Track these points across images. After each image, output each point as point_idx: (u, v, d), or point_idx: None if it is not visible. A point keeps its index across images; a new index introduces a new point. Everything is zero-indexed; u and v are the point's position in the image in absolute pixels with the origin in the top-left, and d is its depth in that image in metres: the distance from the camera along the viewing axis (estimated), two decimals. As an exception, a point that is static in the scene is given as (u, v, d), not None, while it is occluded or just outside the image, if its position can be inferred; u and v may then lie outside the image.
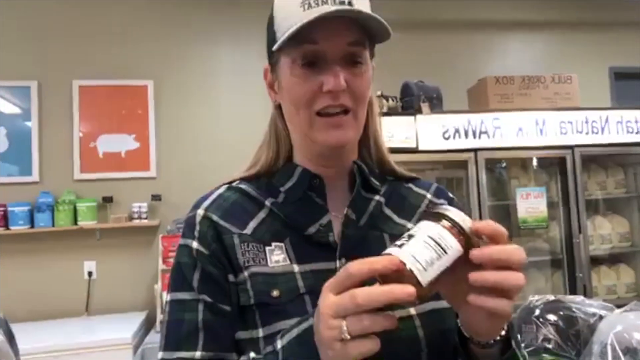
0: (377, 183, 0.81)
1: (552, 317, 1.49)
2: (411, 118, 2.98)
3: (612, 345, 1.23)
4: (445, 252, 0.55)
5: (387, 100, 3.02)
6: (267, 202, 0.79)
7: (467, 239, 0.56)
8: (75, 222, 3.28)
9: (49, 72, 3.41)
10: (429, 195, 0.85)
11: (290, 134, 0.82)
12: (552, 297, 1.56)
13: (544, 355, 1.45)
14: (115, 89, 3.49)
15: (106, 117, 3.47)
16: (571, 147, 3.19)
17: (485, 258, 0.54)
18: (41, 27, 3.44)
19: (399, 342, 0.68)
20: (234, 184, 0.83)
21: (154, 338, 2.82)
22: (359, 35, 0.70)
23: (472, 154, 3.06)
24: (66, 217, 3.25)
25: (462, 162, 3.08)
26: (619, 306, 1.50)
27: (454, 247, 0.55)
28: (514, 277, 0.54)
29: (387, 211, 0.81)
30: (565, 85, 3.26)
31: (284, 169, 0.81)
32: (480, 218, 3.04)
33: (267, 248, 0.74)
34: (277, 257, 0.73)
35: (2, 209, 3.19)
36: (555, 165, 3.31)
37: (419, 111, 3.00)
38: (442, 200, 0.85)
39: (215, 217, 0.76)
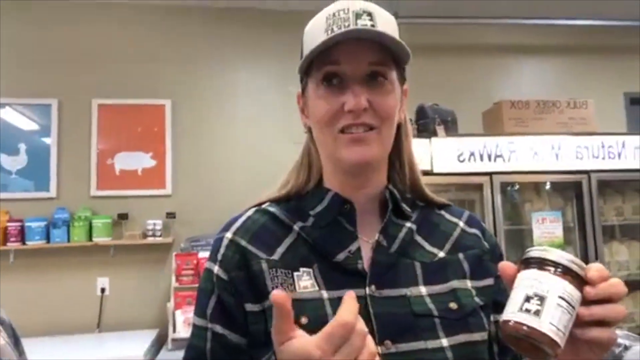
0: (409, 209, 0.80)
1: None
2: (426, 141, 2.99)
3: (636, 375, 1.20)
4: (574, 309, 0.55)
5: (402, 123, 3.03)
6: (296, 227, 0.78)
7: (584, 281, 0.56)
8: (90, 238, 3.31)
9: (69, 90, 3.48)
10: (461, 224, 0.83)
11: (320, 157, 0.82)
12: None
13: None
14: (133, 108, 3.54)
15: (124, 135, 3.52)
16: (587, 172, 3.16)
17: (600, 296, 0.56)
18: (62, 47, 3.52)
19: None
20: (263, 206, 0.82)
21: (166, 356, 2.81)
22: (382, 55, 0.72)
23: (487, 178, 3.05)
24: (81, 233, 3.28)
25: (477, 185, 3.07)
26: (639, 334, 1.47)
27: (579, 300, 0.56)
28: (618, 310, 0.56)
29: (418, 238, 0.79)
30: (581, 110, 3.26)
31: (314, 192, 0.81)
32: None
33: (295, 274, 0.73)
34: (305, 282, 0.72)
35: (19, 224, 3.23)
36: (571, 190, 3.29)
37: (434, 134, 3.01)
38: (474, 230, 0.83)
39: (243, 242, 0.76)
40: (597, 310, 0.56)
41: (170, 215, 3.43)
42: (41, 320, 3.21)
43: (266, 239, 0.77)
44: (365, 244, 0.76)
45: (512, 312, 0.56)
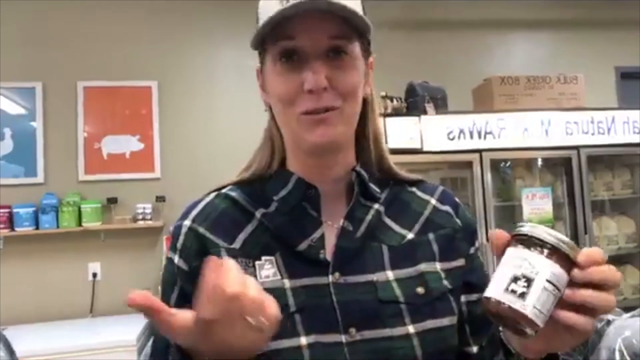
0: (378, 190, 0.77)
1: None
2: (416, 119, 2.97)
3: (620, 350, 1.21)
4: (560, 291, 0.54)
5: (392, 101, 3.01)
6: (258, 213, 0.74)
7: (573, 263, 0.55)
8: (79, 223, 3.28)
9: (54, 73, 3.41)
10: (433, 201, 0.80)
11: (283, 137, 0.77)
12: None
13: None
14: (119, 90, 3.49)
15: (110, 118, 3.47)
16: (577, 148, 3.17)
17: (587, 279, 0.54)
18: (46, 29, 3.45)
19: None
20: (224, 191, 0.79)
21: (159, 339, 2.82)
22: (342, 28, 0.67)
23: (477, 155, 3.05)
24: (70, 218, 3.25)
25: (467, 162, 3.07)
26: (625, 308, 1.48)
27: (566, 283, 0.55)
28: (607, 298, 0.55)
29: (387, 220, 0.76)
30: (571, 86, 3.25)
31: (278, 176, 0.77)
32: (486, 219, 3.02)
33: (257, 263, 0.70)
34: (267, 271, 0.69)
35: (7, 210, 3.19)
36: (560, 166, 3.30)
37: (424, 112, 2.99)
38: (446, 207, 0.79)
39: (201, 230, 0.73)
40: (582, 294, 0.54)
41: (160, 198, 3.41)
42: (33, 307, 3.20)
43: (226, 225, 0.73)
44: (331, 229, 0.73)
45: (497, 291, 0.55)
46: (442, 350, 0.69)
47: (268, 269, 0.69)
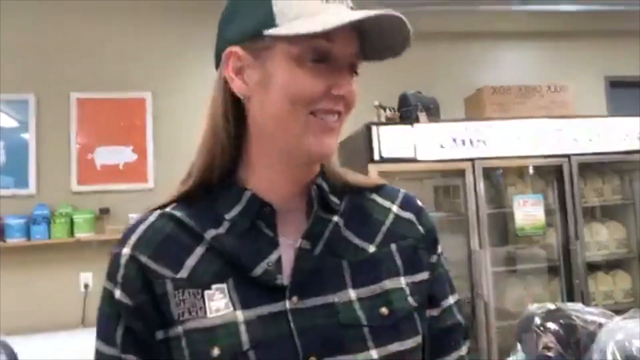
0: (337, 201, 0.71)
1: (552, 326, 1.48)
2: (409, 127, 3.00)
3: (613, 353, 1.23)
4: None
5: (385, 111, 3.04)
6: (207, 235, 0.66)
7: None
8: (72, 234, 3.26)
9: (47, 84, 3.41)
10: (394, 208, 0.75)
11: (253, 139, 0.69)
12: (552, 306, 1.56)
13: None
14: (113, 102, 3.49)
15: (104, 129, 3.46)
16: (567, 156, 3.20)
17: None
18: (39, 40, 3.45)
19: None
20: (168, 209, 0.69)
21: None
22: (359, 46, 0.66)
23: (469, 163, 3.07)
24: (62, 229, 3.23)
25: (460, 170, 3.09)
26: (617, 312, 1.50)
27: None
28: None
29: (347, 233, 0.70)
30: (561, 94, 3.30)
31: (227, 190, 0.69)
32: (478, 226, 3.04)
33: (206, 293, 0.63)
34: (217, 303, 0.63)
35: (-1, 221, 3.17)
36: (552, 173, 3.33)
37: (417, 121, 3.02)
38: (408, 214, 0.75)
39: (144, 259, 0.65)
40: None
41: (154, 209, 3.40)
42: (25, 318, 3.17)
43: (172, 252, 0.66)
44: (288, 248, 0.67)
45: None
46: None
47: (219, 299, 0.63)
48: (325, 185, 0.71)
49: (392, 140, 2.94)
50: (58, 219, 3.23)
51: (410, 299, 0.69)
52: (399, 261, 0.71)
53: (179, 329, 0.62)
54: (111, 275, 0.66)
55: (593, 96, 4.07)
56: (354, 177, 0.75)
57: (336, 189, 0.72)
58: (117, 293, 0.65)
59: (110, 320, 0.65)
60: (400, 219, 0.74)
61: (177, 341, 0.62)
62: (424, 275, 0.72)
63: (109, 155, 3.45)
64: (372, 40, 0.66)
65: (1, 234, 3.17)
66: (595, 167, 3.44)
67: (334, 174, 0.73)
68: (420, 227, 0.74)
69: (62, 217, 3.24)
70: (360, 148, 2.97)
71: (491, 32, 4.13)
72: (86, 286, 3.33)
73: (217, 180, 0.69)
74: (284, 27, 0.62)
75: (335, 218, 0.70)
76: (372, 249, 0.70)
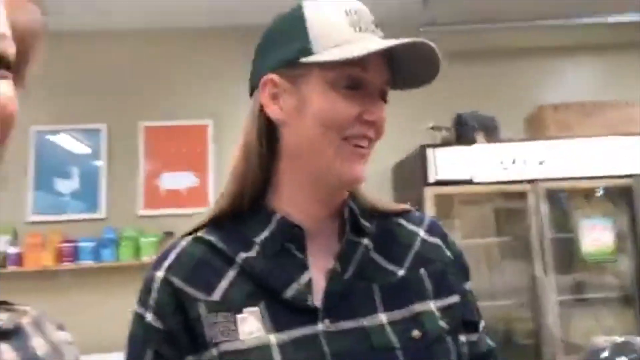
0: (367, 224, 0.72)
1: (621, 360, 1.39)
2: (466, 148, 2.94)
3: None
4: None
5: (441, 131, 3.00)
6: (238, 259, 0.67)
7: None
8: (138, 256, 3.41)
9: (117, 114, 3.62)
10: (421, 233, 0.75)
11: (284, 164, 0.70)
12: (619, 339, 1.46)
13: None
14: (177, 129, 3.65)
15: (169, 155, 3.63)
16: (638, 176, 3.02)
17: None
18: (108, 73, 3.68)
19: None
20: (199, 234, 0.71)
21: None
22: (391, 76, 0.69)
23: (530, 185, 2.96)
24: (129, 252, 3.38)
25: (521, 192, 2.99)
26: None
27: None
28: None
29: (376, 256, 0.71)
30: (628, 111, 3.13)
31: (256, 214, 0.70)
32: (542, 251, 2.92)
33: (238, 316, 0.64)
34: (250, 327, 0.63)
35: (72, 244, 3.36)
36: (621, 195, 3.15)
37: (474, 141, 2.96)
38: (435, 240, 0.76)
39: (177, 282, 0.66)
40: None
41: (214, 232, 3.49)
42: (94, 338, 3.32)
43: (204, 275, 0.67)
44: (319, 271, 0.67)
45: None
46: None
47: (251, 322, 0.63)
48: (356, 209, 0.73)
49: (448, 162, 2.89)
50: (125, 242, 3.39)
51: (441, 322, 0.69)
52: (428, 285, 0.71)
53: (214, 352, 0.62)
54: (143, 299, 0.67)
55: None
56: (381, 202, 0.77)
57: (365, 213, 0.73)
58: (149, 317, 0.66)
59: (139, 345, 0.66)
60: (428, 244, 0.75)
61: None
62: (454, 299, 0.72)
63: (172, 181, 3.61)
64: (401, 68, 0.69)
65: (74, 255, 3.36)
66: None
67: (363, 198, 0.75)
68: (448, 252, 0.75)
69: (129, 240, 3.40)
70: (415, 171, 2.94)
71: (551, 47, 4.01)
72: (151, 307, 3.45)
73: (248, 206, 0.70)
74: (321, 55, 0.65)
75: (365, 241, 0.71)
76: (401, 272, 0.71)
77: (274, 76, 0.69)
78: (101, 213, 3.53)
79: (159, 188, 3.60)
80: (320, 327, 0.64)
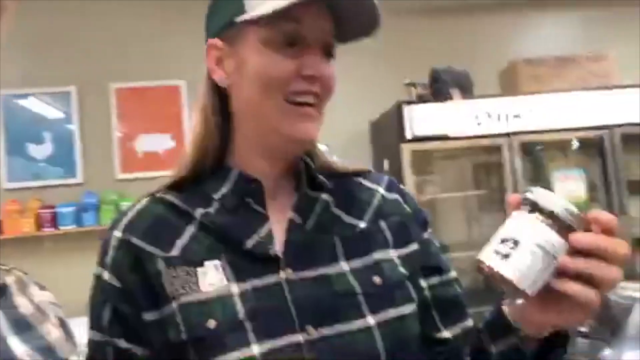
0: (324, 180, 0.73)
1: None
2: (441, 105, 2.96)
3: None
4: (555, 258, 0.51)
5: (416, 88, 3.01)
6: (197, 214, 0.68)
7: (573, 231, 0.52)
8: (119, 220, 3.41)
9: (86, 76, 3.53)
10: (381, 190, 0.77)
11: (236, 125, 0.71)
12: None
13: (578, 338, 1.43)
14: (149, 91, 3.59)
15: (143, 118, 3.58)
16: (609, 127, 3.09)
17: (586, 246, 0.51)
18: (76, 34, 3.57)
19: (358, 357, 0.63)
20: (158, 194, 0.72)
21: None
22: (333, 29, 0.67)
23: (505, 139, 3.01)
24: (110, 215, 3.37)
25: (497, 147, 3.04)
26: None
27: (563, 251, 0.52)
28: (608, 269, 0.51)
29: (336, 211, 0.72)
30: (601, 64, 3.16)
31: (216, 173, 0.70)
32: (517, 203, 2.99)
33: (199, 270, 0.64)
34: (211, 279, 0.63)
35: (51, 210, 3.34)
36: (594, 147, 3.22)
37: (450, 97, 2.97)
38: (394, 195, 0.77)
39: (134, 239, 0.66)
40: (581, 263, 0.50)
41: (194, 194, 3.50)
42: (79, 300, 3.35)
43: (163, 232, 0.67)
44: (278, 224, 0.68)
45: (485, 252, 0.54)
46: (404, 340, 0.66)
47: (212, 274, 0.64)
48: (310, 162, 0.73)
49: (424, 119, 2.91)
50: (106, 206, 3.38)
51: (401, 269, 0.70)
52: (388, 236, 0.73)
53: (173, 305, 0.63)
54: (101, 259, 0.68)
55: (638, 64, 3.88)
56: (339, 163, 0.77)
57: (323, 172, 0.74)
58: (106, 275, 0.66)
59: (98, 305, 0.66)
60: (388, 200, 0.76)
61: (171, 317, 0.63)
62: (413, 247, 0.74)
63: (149, 143, 3.57)
64: (343, 21, 0.67)
65: (54, 221, 3.35)
66: (640, 138, 3.30)
67: (320, 158, 0.75)
68: (406, 206, 0.77)
69: (110, 204, 3.39)
70: (392, 128, 2.96)
71: (524, 1, 3.98)
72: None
73: (210, 169, 0.71)
74: (252, 12, 0.64)
75: (324, 195, 0.72)
76: (362, 224, 0.72)
77: (216, 41, 0.69)
78: (79, 178, 3.49)
79: (136, 151, 3.56)
80: (282, 275, 0.65)
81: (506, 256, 0.52)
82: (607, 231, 0.52)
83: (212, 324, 0.61)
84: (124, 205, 3.38)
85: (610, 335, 1.38)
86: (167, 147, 3.59)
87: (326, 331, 0.63)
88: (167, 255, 0.65)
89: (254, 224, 0.68)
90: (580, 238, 0.51)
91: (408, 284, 0.70)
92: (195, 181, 0.71)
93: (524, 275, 0.51)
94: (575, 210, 0.52)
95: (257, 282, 0.64)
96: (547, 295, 0.53)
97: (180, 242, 0.66)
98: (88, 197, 3.40)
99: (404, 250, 0.72)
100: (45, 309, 0.54)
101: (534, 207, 0.53)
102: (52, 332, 0.53)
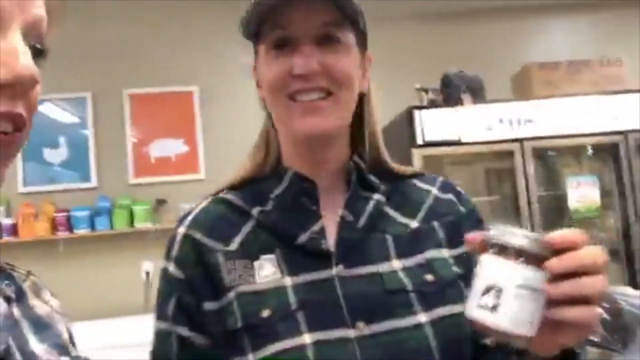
0: (376, 181, 0.75)
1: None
2: (453, 110, 2.95)
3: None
4: (540, 291, 0.50)
5: (427, 93, 3.01)
6: (254, 212, 0.72)
7: (547, 258, 0.50)
8: (131, 224, 3.44)
9: (101, 82, 3.59)
10: (434, 190, 0.77)
11: (277, 129, 0.75)
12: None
13: (590, 348, 1.41)
14: (163, 96, 3.63)
15: (156, 123, 3.62)
16: (624, 133, 3.06)
17: (565, 268, 0.49)
18: (91, 39, 3.63)
19: (409, 355, 0.63)
20: (219, 195, 0.77)
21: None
22: (334, 14, 0.66)
23: (517, 144, 2.99)
24: (123, 220, 3.42)
25: (509, 152, 3.02)
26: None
27: (543, 281, 0.50)
28: (593, 283, 0.50)
29: (389, 210, 0.74)
30: (615, 68, 3.13)
31: (273, 173, 0.75)
32: (530, 209, 2.97)
33: (255, 263, 0.68)
34: (266, 271, 0.67)
35: (65, 214, 3.38)
36: (608, 152, 3.19)
37: (461, 102, 2.96)
38: (449, 196, 0.77)
39: (198, 235, 0.71)
40: (566, 287, 0.49)
41: (206, 198, 3.53)
42: (90, 304, 3.38)
43: (223, 229, 0.72)
44: (331, 222, 0.71)
45: (471, 308, 0.52)
46: (457, 339, 0.65)
47: (267, 268, 0.67)
48: (361, 163, 0.75)
49: (435, 124, 2.90)
50: (118, 210, 3.42)
51: (454, 268, 0.70)
52: (442, 235, 0.73)
53: (231, 294, 0.67)
54: (167, 254, 0.73)
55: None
56: (394, 165, 0.79)
57: (377, 173, 0.76)
58: (171, 268, 0.71)
59: (164, 296, 0.71)
60: (441, 199, 0.77)
61: (229, 307, 0.67)
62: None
63: (162, 148, 3.61)
64: (342, 6, 0.67)
65: (69, 225, 3.39)
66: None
67: (374, 158, 0.77)
68: (461, 207, 0.77)
69: (123, 208, 3.43)
70: (403, 133, 2.95)
71: (536, 6, 3.96)
72: (147, 274, 3.51)
73: (269, 170, 0.76)
74: (243, 31, 0.71)
75: (377, 196, 0.74)
76: (414, 224, 0.73)
77: (252, 63, 0.76)
78: (93, 182, 3.54)
79: (149, 156, 3.60)
80: (333, 271, 0.67)
81: (494, 308, 0.50)
82: (576, 246, 0.51)
83: (265, 313, 0.65)
84: (137, 209, 3.42)
85: (621, 344, 1.36)
86: (180, 151, 3.63)
87: (377, 328, 0.64)
88: (227, 249, 0.70)
89: (307, 221, 0.71)
90: (556, 264, 0.49)
91: (461, 283, 0.69)
92: (253, 182, 0.76)
93: (519, 322, 0.50)
94: (538, 237, 0.51)
95: (309, 277, 0.67)
96: (547, 322, 0.52)
97: (238, 238, 0.71)
98: (102, 202, 3.44)
99: (458, 250, 0.72)
100: (54, 316, 0.56)
101: (502, 248, 0.51)
102: (64, 333, 0.55)
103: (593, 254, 0.51)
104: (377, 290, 0.66)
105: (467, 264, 0.70)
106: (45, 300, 0.55)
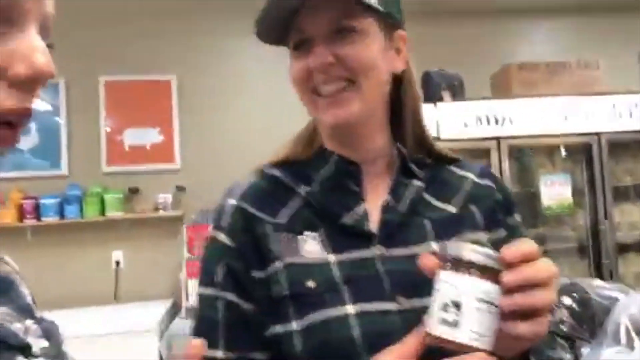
0: (417, 169, 0.77)
1: (567, 301, 1.48)
2: (432, 106, 2.96)
3: (626, 326, 1.22)
4: (496, 306, 0.51)
5: (408, 89, 3.01)
6: (301, 191, 0.76)
7: (499, 271, 0.52)
8: (103, 213, 3.37)
9: (75, 69, 3.48)
10: (472, 176, 0.79)
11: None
12: (567, 280, 1.55)
13: (559, 338, 1.44)
14: (139, 84, 3.55)
15: (131, 111, 3.54)
16: (597, 134, 3.12)
17: (515, 283, 0.51)
18: (66, 24, 3.51)
19: None
20: (266, 171, 0.80)
21: (179, 324, 2.89)
22: (347, 6, 0.68)
23: (494, 142, 3.03)
24: (94, 208, 3.34)
25: (486, 150, 3.06)
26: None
27: (499, 293, 0.51)
28: (543, 295, 0.52)
29: (427, 196, 0.76)
30: (592, 71, 3.20)
31: (318, 155, 0.78)
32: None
33: (299, 237, 0.72)
34: (310, 247, 0.71)
35: (33, 201, 3.29)
36: (581, 152, 3.26)
37: (440, 99, 2.98)
38: (486, 182, 0.79)
39: (247, 206, 0.75)
40: (519, 299, 0.50)
41: (181, 188, 3.47)
42: (60, 293, 3.30)
43: (271, 202, 0.75)
44: (373, 205, 0.74)
45: (432, 324, 0.52)
46: None
47: (311, 244, 0.71)
48: (404, 151, 0.77)
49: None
50: (90, 198, 3.33)
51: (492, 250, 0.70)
52: (479, 219, 0.76)
53: (279, 263, 0.70)
54: (217, 223, 0.76)
55: (626, 72, 3.93)
56: (437, 147, 0.80)
57: (415, 159, 0.78)
58: (222, 236, 0.74)
59: (212, 263, 0.74)
60: (479, 185, 0.79)
61: (276, 275, 0.70)
62: (501, 233, 0.76)
63: (136, 137, 3.53)
64: None
65: (36, 213, 3.29)
66: (627, 146, 3.35)
67: (418, 138, 0.78)
68: (498, 193, 0.79)
69: (94, 196, 3.34)
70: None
71: (518, 8, 4.02)
72: (117, 263, 3.44)
73: (314, 153, 0.79)
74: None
75: (417, 182, 0.76)
76: (452, 209, 0.76)
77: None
78: (63, 170, 3.44)
79: (123, 144, 3.52)
80: (375, 251, 0.70)
81: (455, 323, 0.51)
82: (529, 259, 0.52)
83: (311, 283, 0.68)
84: (108, 197, 3.34)
85: (590, 334, 1.39)
86: (155, 141, 3.55)
87: (417, 303, 0.66)
88: (275, 221, 0.73)
89: (351, 203, 0.74)
90: (510, 279, 0.51)
91: None
92: (297, 162, 0.79)
93: (479, 336, 0.51)
94: (492, 252, 0.52)
95: (352, 255, 0.70)
96: (502, 333, 0.53)
97: (285, 212, 0.74)
98: (72, 190, 3.35)
99: (494, 235, 0.75)
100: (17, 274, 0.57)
101: (459, 263, 0.52)
102: (28, 296, 0.56)
103: (545, 268, 0.53)
104: (416, 269, 0.65)
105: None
106: (6, 261, 0.55)
